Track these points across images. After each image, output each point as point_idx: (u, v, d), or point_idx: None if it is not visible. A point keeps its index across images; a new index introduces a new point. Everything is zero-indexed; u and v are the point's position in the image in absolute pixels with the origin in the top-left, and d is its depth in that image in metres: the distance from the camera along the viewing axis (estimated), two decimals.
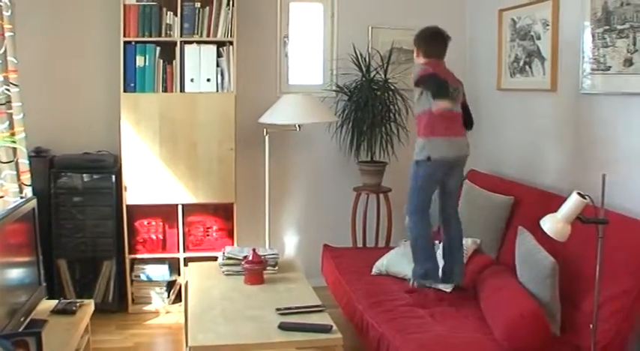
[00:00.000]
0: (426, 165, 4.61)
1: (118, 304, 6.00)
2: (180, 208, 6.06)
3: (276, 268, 5.16)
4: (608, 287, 3.87)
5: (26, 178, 5.14)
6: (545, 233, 3.76)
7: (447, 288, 4.82)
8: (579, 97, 5.09)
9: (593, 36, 4.87)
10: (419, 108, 4.68)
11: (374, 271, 5.38)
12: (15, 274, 4.07)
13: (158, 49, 5.93)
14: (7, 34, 4.92)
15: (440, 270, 4.80)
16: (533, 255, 4.28)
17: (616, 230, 3.92)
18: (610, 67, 4.70)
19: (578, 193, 3.64)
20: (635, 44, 4.43)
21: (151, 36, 5.91)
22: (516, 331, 3.86)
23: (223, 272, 5.10)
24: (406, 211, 4.77)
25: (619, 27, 4.58)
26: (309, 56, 6.85)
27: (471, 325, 4.27)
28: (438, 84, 4.54)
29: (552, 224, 3.72)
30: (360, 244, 6.65)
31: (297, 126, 6.05)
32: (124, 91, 5.86)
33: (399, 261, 5.28)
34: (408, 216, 4.75)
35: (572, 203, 3.67)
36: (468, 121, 4.85)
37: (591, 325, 3.62)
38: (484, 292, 4.49)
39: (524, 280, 4.32)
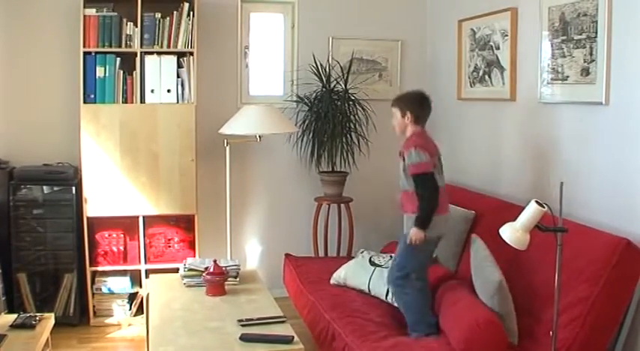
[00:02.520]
0: (429, 243, 4.58)
1: (80, 317, 5.95)
2: (141, 219, 6.03)
3: (238, 279, 5.15)
4: (566, 295, 3.93)
5: None
6: (504, 242, 3.79)
7: None
8: (538, 106, 5.16)
9: (551, 46, 4.94)
10: (406, 186, 4.61)
11: (332, 281, 5.39)
12: None
13: (118, 59, 5.90)
14: None
15: None
16: (483, 269, 4.32)
17: (573, 239, 3.98)
18: (568, 76, 4.77)
19: (537, 202, 3.68)
20: (591, 54, 4.51)
21: (111, 46, 5.88)
22: (473, 338, 3.90)
23: (185, 284, 5.09)
24: (388, 279, 4.74)
25: (576, 37, 4.65)
26: (269, 67, 6.87)
27: (433, 338, 4.30)
28: (433, 194, 4.51)
29: (511, 233, 3.75)
30: (321, 254, 6.67)
31: (257, 136, 6.05)
32: (84, 102, 5.82)
33: (356, 273, 5.30)
34: (390, 283, 4.72)
35: (530, 212, 3.70)
36: None
37: (551, 333, 3.66)
38: (442, 305, 4.50)
39: (478, 291, 4.36)
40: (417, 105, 4.69)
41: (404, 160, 4.57)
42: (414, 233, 4.47)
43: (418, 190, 4.49)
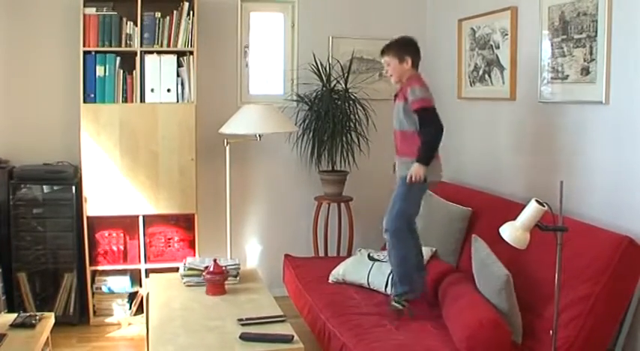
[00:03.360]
0: (424, 186, 4.62)
1: (80, 317, 5.95)
2: (141, 219, 6.03)
3: (238, 278, 5.15)
4: (567, 294, 3.93)
5: None
6: (504, 241, 3.78)
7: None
8: (538, 105, 5.16)
9: (551, 45, 4.94)
10: (405, 125, 4.63)
11: (331, 279, 5.39)
12: None
13: (118, 59, 5.90)
14: None
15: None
16: (487, 266, 4.32)
17: (574, 237, 3.98)
18: (567, 75, 4.77)
19: (537, 201, 3.67)
20: (591, 53, 4.51)
21: (111, 46, 5.88)
22: (476, 339, 3.88)
23: (184, 283, 5.09)
24: (387, 227, 4.73)
25: (576, 36, 4.65)
26: (269, 66, 6.86)
27: (432, 334, 4.29)
28: (439, 131, 4.55)
29: (511, 232, 3.74)
30: (321, 254, 6.68)
31: (257, 136, 6.05)
32: (84, 101, 5.83)
33: (355, 268, 5.31)
34: (388, 231, 4.71)
35: (530, 211, 3.69)
36: None
37: (551, 331, 3.66)
38: (445, 300, 4.51)
39: (481, 289, 4.35)
40: (414, 49, 4.78)
41: (405, 99, 4.59)
42: (415, 169, 4.48)
43: (423, 126, 4.51)
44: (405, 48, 4.75)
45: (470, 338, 3.90)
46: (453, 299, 4.43)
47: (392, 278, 4.77)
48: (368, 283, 5.16)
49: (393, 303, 4.64)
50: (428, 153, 4.50)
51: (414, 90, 4.54)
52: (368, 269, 5.20)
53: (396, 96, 4.78)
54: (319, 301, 4.97)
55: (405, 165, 4.60)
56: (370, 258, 5.31)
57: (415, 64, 4.74)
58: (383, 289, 5.03)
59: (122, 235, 6.08)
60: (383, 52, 4.85)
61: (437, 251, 5.21)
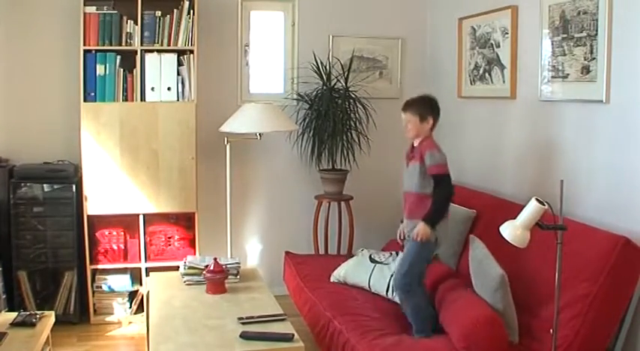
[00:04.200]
0: (433, 246, 4.60)
1: (80, 315, 5.95)
2: (141, 217, 6.03)
3: (238, 277, 5.15)
4: (566, 293, 3.93)
5: None
6: (504, 241, 3.78)
7: None
8: (538, 104, 5.16)
9: (551, 44, 4.94)
10: (418, 188, 4.61)
11: (332, 279, 5.41)
12: None
13: (118, 57, 5.89)
14: None
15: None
16: (483, 265, 4.32)
17: (573, 237, 3.99)
18: (568, 74, 4.77)
19: (537, 200, 3.67)
20: (592, 52, 4.51)
21: (111, 44, 5.88)
22: (473, 337, 3.90)
23: (185, 282, 5.08)
24: (396, 285, 4.70)
25: (576, 35, 4.65)
26: (269, 65, 6.86)
27: (434, 336, 4.31)
28: (450, 195, 4.60)
29: (511, 231, 3.75)
30: (322, 252, 6.68)
31: (258, 135, 6.05)
32: (84, 100, 5.82)
33: (356, 271, 5.32)
34: (398, 289, 4.68)
35: (530, 210, 3.70)
36: None
37: (551, 331, 3.66)
38: (442, 305, 4.50)
39: (478, 290, 4.36)
40: (437, 112, 4.74)
41: (422, 162, 4.57)
42: (422, 228, 4.48)
43: (437, 190, 4.53)
44: (429, 108, 4.72)
45: (466, 336, 3.92)
46: (450, 301, 4.44)
47: (412, 326, 4.72)
48: (369, 287, 5.16)
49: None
50: (437, 214, 4.53)
51: (434, 155, 4.54)
52: (369, 272, 5.20)
53: (409, 157, 4.74)
54: (323, 300, 4.97)
55: (414, 225, 4.59)
56: (372, 260, 5.30)
57: (434, 127, 4.72)
58: (384, 293, 5.03)
59: (122, 233, 6.08)
60: (405, 108, 4.76)
61: (437, 254, 5.19)
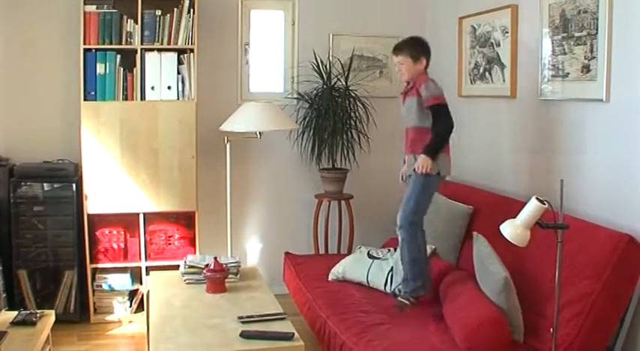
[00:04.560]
0: (436, 179, 4.63)
1: (80, 314, 5.95)
2: (141, 216, 6.03)
3: (238, 276, 5.15)
4: (567, 292, 3.93)
5: None
6: (505, 239, 3.78)
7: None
8: (538, 103, 5.16)
9: (551, 43, 4.94)
10: (417, 121, 4.65)
11: (330, 277, 5.40)
12: None
13: (119, 56, 5.89)
14: None
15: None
16: (486, 266, 4.32)
17: (574, 235, 3.98)
18: (568, 73, 4.77)
19: (537, 199, 3.67)
20: (592, 51, 4.50)
21: (111, 43, 5.87)
22: (476, 337, 3.89)
23: (185, 281, 5.09)
24: (402, 223, 4.69)
25: (576, 34, 4.65)
26: (270, 64, 6.86)
27: (433, 332, 4.29)
28: (450, 126, 4.61)
29: (512, 230, 3.74)
30: (322, 252, 6.67)
31: (258, 134, 6.05)
32: (85, 99, 5.82)
33: (355, 266, 5.32)
34: (403, 228, 4.68)
35: (531, 208, 3.69)
36: None
37: (551, 329, 3.66)
38: (446, 299, 4.52)
39: (482, 288, 4.35)
40: (429, 51, 4.81)
41: (419, 95, 4.61)
42: (423, 160, 4.52)
43: (436, 122, 4.56)
44: (421, 48, 4.79)
45: (469, 337, 3.91)
46: (453, 297, 4.44)
47: (401, 275, 4.74)
48: (367, 282, 5.16)
49: (401, 298, 4.67)
50: (436, 146, 4.56)
51: (429, 87, 4.60)
52: (367, 268, 5.21)
53: (404, 93, 4.77)
54: (319, 299, 4.97)
55: (415, 160, 4.62)
56: (370, 256, 5.31)
57: (428, 66, 4.77)
58: (382, 288, 5.03)
59: (123, 232, 6.08)
60: (397, 51, 4.82)
61: (436, 249, 5.20)
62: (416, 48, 4.78)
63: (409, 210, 4.64)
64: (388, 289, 4.96)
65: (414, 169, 4.61)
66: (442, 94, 4.62)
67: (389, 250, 5.31)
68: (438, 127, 4.57)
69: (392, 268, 5.01)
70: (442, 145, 4.58)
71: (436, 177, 4.61)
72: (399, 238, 4.74)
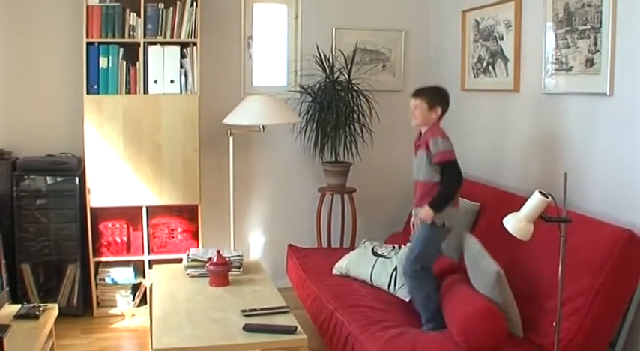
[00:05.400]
0: (442, 231, 4.59)
1: (83, 308, 5.95)
2: (144, 210, 6.03)
3: (241, 269, 5.16)
4: (569, 287, 3.93)
5: None
6: (508, 234, 3.78)
7: (407, 298, 4.83)
8: (542, 97, 5.15)
9: (555, 37, 4.93)
10: (427, 176, 4.61)
11: (334, 271, 5.40)
12: None
13: (121, 50, 5.89)
14: None
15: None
16: (478, 262, 4.32)
17: (577, 230, 3.98)
18: (572, 67, 4.76)
19: (540, 192, 3.67)
20: (595, 45, 4.50)
21: (114, 37, 5.87)
22: (471, 330, 3.90)
23: (188, 274, 5.09)
24: (405, 272, 4.69)
25: (580, 28, 4.64)
26: (273, 57, 6.85)
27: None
28: (457, 182, 4.57)
29: (515, 223, 3.75)
30: (325, 245, 6.67)
31: (261, 127, 6.05)
32: (87, 92, 5.81)
33: (359, 263, 5.30)
34: (407, 275, 4.67)
35: (534, 202, 3.69)
36: None
37: (554, 323, 3.66)
38: (445, 298, 4.51)
39: (476, 286, 4.35)
40: (446, 102, 4.71)
41: (427, 150, 4.56)
42: (426, 211, 4.48)
43: (444, 177, 4.52)
44: (441, 98, 4.70)
45: (465, 330, 3.93)
46: (451, 296, 4.44)
47: (421, 315, 4.70)
48: (371, 280, 5.14)
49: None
50: (442, 200, 4.52)
51: (437, 142, 4.52)
52: (371, 266, 5.18)
53: (417, 146, 4.73)
54: (326, 292, 4.97)
55: (421, 211, 4.59)
56: (374, 253, 5.29)
57: (442, 116, 4.70)
58: (386, 288, 5.02)
59: (125, 226, 6.09)
60: (415, 94, 4.74)
61: (441, 247, 5.19)
62: (435, 95, 4.70)
63: (411, 259, 4.64)
64: (392, 290, 4.95)
65: (427, 222, 4.57)
66: (451, 149, 4.55)
67: (393, 247, 5.29)
68: (444, 182, 4.53)
69: (395, 267, 5.00)
70: (448, 199, 4.53)
71: (441, 228, 4.57)
72: (408, 286, 4.76)
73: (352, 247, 6.10)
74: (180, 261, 5.38)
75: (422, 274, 4.58)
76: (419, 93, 4.74)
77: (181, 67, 5.99)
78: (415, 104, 4.70)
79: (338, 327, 4.50)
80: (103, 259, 6.02)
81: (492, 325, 3.92)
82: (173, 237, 6.17)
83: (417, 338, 4.09)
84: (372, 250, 5.34)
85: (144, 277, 6.04)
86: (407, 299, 4.79)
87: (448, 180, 4.52)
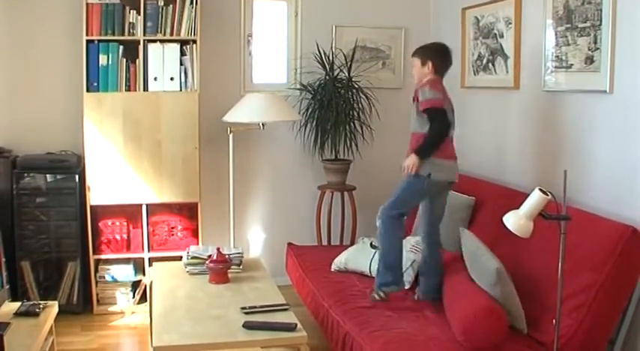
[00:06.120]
0: (425, 181, 4.60)
1: (83, 306, 5.96)
2: (144, 207, 6.03)
3: (241, 267, 5.16)
4: (570, 283, 3.93)
5: None
6: (508, 230, 3.78)
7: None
8: (542, 94, 5.15)
9: (555, 34, 4.92)
10: (417, 127, 4.65)
11: (333, 267, 5.41)
12: None
13: (121, 47, 5.88)
14: None
15: (418, 288, 4.85)
16: (478, 258, 4.31)
17: (577, 226, 3.97)
18: (572, 64, 4.76)
19: (540, 190, 3.67)
20: (595, 42, 4.49)
21: (114, 34, 5.86)
22: (472, 329, 3.88)
23: (188, 272, 5.09)
24: (380, 215, 4.71)
25: (580, 25, 4.64)
26: (273, 55, 6.85)
27: (434, 323, 4.31)
28: (444, 129, 4.57)
29: (515, 221, 3.75)
30: (324, 243, 6.67)
31: (261, 124, 6.04)
32: (87, 90, 5.81)
33: (357, 257, 5.33)
34: (380, 219, 4.70)
35: (534, 199, 3.69)
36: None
37: (554, 321, 3.66)
38: (445, 290, 4.52)
39: (476, 281, 4.34)
40: (438, 56, 4.78)
41: (417, 99, 4.62)
42: (410, 159, 4.54)
43: (431, 125, 4.54)
44: (431, 53, 4.78)
45: (466, 330, 3.91)
46: (451, 289, 4.45)
47: (377, 267, 4.77)
48: (370, 271, 5.16)
49: (374, 294, 4.71)
50: (427, 147, 4.55)
51: (424, 91, 4.59)
52: (370, 257, 5.20)
53: (413, 98, 4.76)
54: (322, 290, 4.98)
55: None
56: (372, 246, 5.31)
57: (438, 71, 4.74)
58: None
59: (125, 223, 6.09)
60: (413, 54, 4.90)
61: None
62: (426, 51, 4.80)
63: (389, 204, 4.68)
64: None
65: (411, 173, 4.60)
66: (437, 97, 4.58)
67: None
68: (431, 130, 4.55)
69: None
70: (432, 147, 4.55)
71: (425, 178, 4.59)
72: (378, 229, 4.78)
73: (352, 245, 6.11)
74: (180, 259, 5.39)
75: (394, 222, 4.64)
76: (414, 52, 4.88)
77: (181, 64, 5.99)
78: (413, 63, 4.84)
79: (335, 326, 4.50)
80: (103, 256, 6.02)
81: (493, 324, 3.90)
82: (173, 234, 6.17)
83: (417, 338, 4.07)
84: (371, 243, 5.36)
85: (144, 274, 6.05)
86: (407, 287, 4.84)
87: (434, 127, 4.54)
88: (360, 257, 5.29)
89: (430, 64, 4.72)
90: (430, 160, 4.57)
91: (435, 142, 4.55)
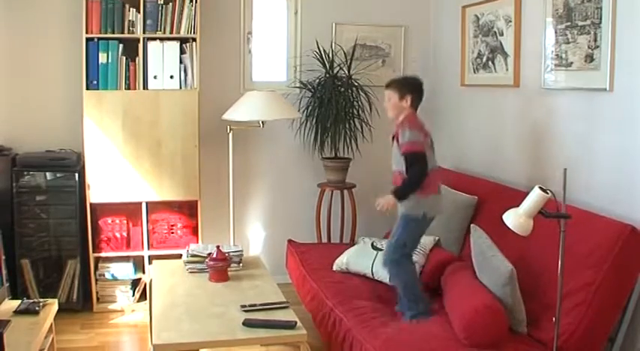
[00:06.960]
0: (422, 222, 4.59)
1: (83, 303, 5.96)
2: (144, 205, 6.03)
3: (241, 265, 5.17)
4: (570, 281, 3.93)
5: None
6: (507, 228, 3.78)
7: None
8: (542, 92, 5.15)
9: (555, 32, 4.92)
10: (398, 166, 4.62)
11: (335, 268, 5.39)
12: None
13: (121, 45, 5.88)
14: None
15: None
16: (489, 259, 4.28)
17: (577, 225, 3.97)
18: (571, 62, 4.76)
19: (540, 188, 3.67)
20: (595, 40, 4.49)
21: (113, 32, 5.86)
22: (473, 327, 3.88)
23: (187, 270, 5.10)
24: (386, 261, 4.69)
25: (580, 23, 4.63)
26: (272, 53, 6.85)
27: (436, 321, 4.30)
28: (423, 174, 4.53)
29: (514, 219, 3.75)
30: (324, 240, 6.67)
31: (260, 122, 6.04)
32: (87, 88, 5.81)
33: (359, 258, 5.30)
34: (390, 264, 4.66)
35: (534, 198, 3.69)
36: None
37: (553, 319, 3.66)
38: (446, 288, 4.53)
39: (483, 280, 4.33)
40: (417, 90, 4.72)
41: (398, 140, 4.58)
42: (387, 199, 4.51)
43: (410, 168, 4.51)
44: (409, 87, 4.72)
45: (467, 328, 3.91)
46: (452, 287, 4.44)
47: (399, 299, 4.73)
48: (372, 273, 5.15)
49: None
50: (405, 190, 4.52)
51: (405, 133, 4.53)
52: (372, 259, 5.19)
53: (393, 137, 4.73)
54: (326, 289, 4.96)
55: (404, 202, 4.57)
56: (374, 247, 5.29)
57: (414, 105, 4.69)
58: (387, 281, 5.01)
59: (125, 221, 6.09)
60: (386, 86, 4.81)
61: (439, 240, 5.19)
62: (404, 85, 4.74)
63: (392, 248, 4.65)
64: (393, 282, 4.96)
65: (404, 213, 4.60)
66: (417, 139, 4.52)
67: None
68: (410, 173, 4.53)
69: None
70: (409, 190, 4.52)
71: (421, 218, 4.57)
72: (388, 273, 4.77)
73: (352, 243, 6.12)
74: (179, 256, 5.40)
75: (401, 262, 4.60)
76: (389, 84, 4.81)
77: (181, 62, 5.98)
78: (387, 96, 4.76)
79: (337, 324, 4.49)
80: (103, 254, 6.03)
81: (494, 322, 3.90)
82: (173, 232, 6.17)
83: (418, 335, 4.08)
84: (372, 244, 5.34)
85: (143, 272, 6.05)
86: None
87: (412, 171, 4.52)
88: (362, 258, 5.27)
89: (409, 98, 4.66)
90: (421, 200, 4.54)
91: (413, 187, 4.53)
